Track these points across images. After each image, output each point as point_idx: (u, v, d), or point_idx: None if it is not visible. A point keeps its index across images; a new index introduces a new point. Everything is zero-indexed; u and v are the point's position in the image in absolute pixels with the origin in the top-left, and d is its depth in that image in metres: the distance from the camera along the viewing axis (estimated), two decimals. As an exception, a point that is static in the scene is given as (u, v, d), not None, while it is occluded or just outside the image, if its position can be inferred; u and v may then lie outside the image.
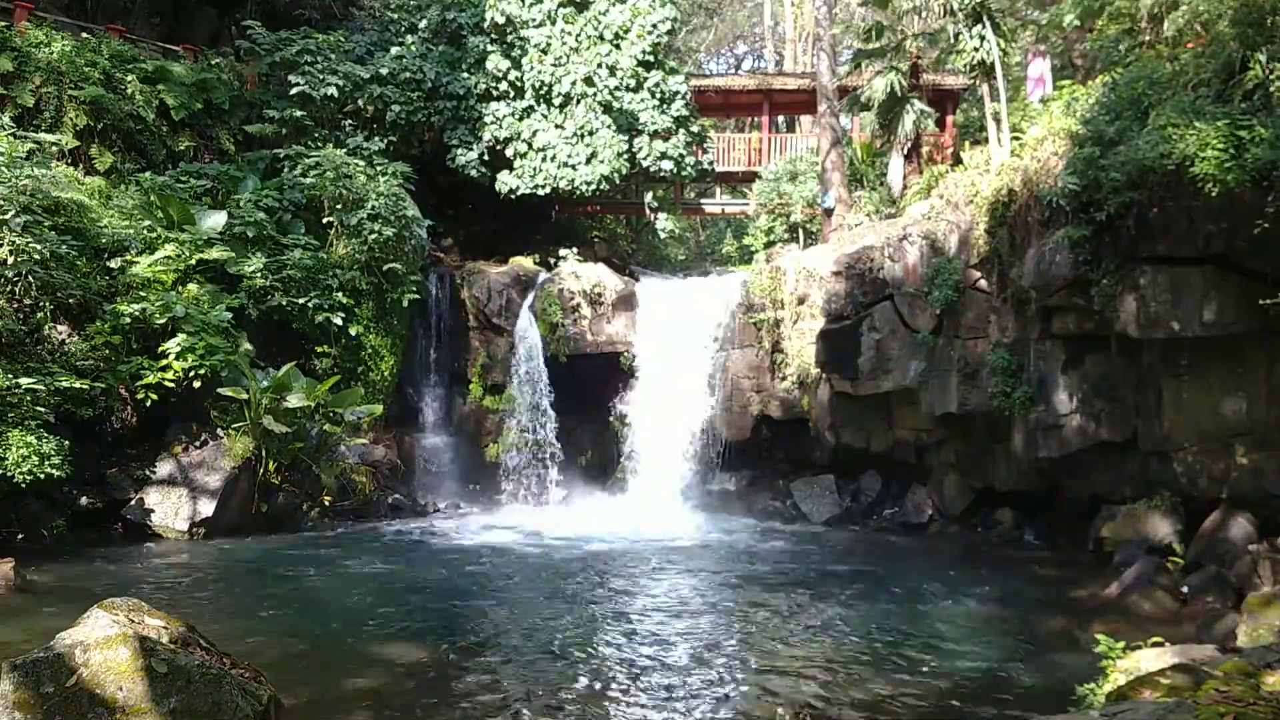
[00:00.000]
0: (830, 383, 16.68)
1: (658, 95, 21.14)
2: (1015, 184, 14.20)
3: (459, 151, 21.01)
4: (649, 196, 23.04)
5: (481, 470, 19.09)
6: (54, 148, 16.05)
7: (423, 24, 21.60)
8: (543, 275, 19.77)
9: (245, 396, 14.89)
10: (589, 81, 20.73)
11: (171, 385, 14.54)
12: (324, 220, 18.13)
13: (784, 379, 17.58)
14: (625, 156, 20.84)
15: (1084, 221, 12.61)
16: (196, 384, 14.76)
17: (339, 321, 17.37)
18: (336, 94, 20.07)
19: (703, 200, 28.00)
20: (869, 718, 7.49)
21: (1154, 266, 12.32)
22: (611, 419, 19.25)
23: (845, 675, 8.47)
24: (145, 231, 15.58)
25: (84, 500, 13.93)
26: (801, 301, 17.20)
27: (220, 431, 15.08)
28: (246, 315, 16.39)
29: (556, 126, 20.88)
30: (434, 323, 19.58)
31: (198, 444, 14.93)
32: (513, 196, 21.25)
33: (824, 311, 16.58)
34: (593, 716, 7.45)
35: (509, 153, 20.98)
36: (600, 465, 19.46)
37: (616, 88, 20.87)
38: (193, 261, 15.74)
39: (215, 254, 16.07)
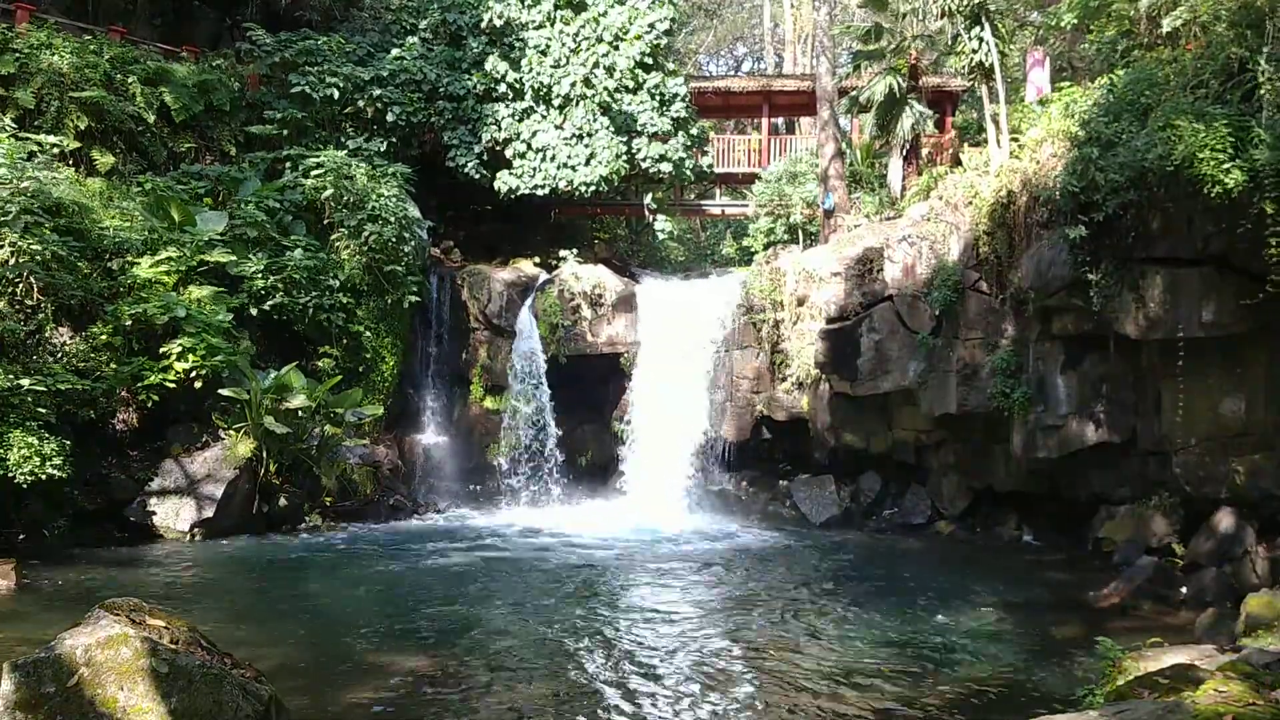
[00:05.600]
0: (830, 383, 16.70)
1: (657, 97, 21.14)
2: (1014, 185, 14.23)
3: (458, 152, 21.03)
4: (649, 198, 23.05)
5: (482, 471, 19.09)
6: (55, 149, 16.06)
7: (422, 25, 21.64)
8: (543, 276, 19.78)
9: (246, 397, 14.92)
10: (587, 83, 20.73)
11: (173, 386, 14.56)
12: (325, 221, 18.16)
13: (784, 380, 17.61)
14: (624, 158, 20.83)
15: (1083, 223, 12.64)
16: (198, 385, 14.79)
17: (340, 322, 17.43)
18: (337, 95, 20.09)
19: (703, 202, 28.01)
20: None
21: (1153, 267, 12.35)
22: (612, 420, 19.28)
23: (846, 678, 8.47)
24: (146, 233, 15.59)
25: (85, 501, 13.94)
26: (801, 302, 17.22)
27: (221, 432, 15.12)
28: (248, 316, 16.41)
29: (555, 127, 20.89)
30: (435, 324, 19.60)
31: (199, 445, 14.95)
32: (512, 197, 21.26)
33: (823, 312, 16.60)
34: None
35: (508, 153, 20.99)
36: (601, 466, 19.45)
37: (615, 89, 20.87)
38: (194, 263, 15.77)
39: (216, 255, 16.10)
